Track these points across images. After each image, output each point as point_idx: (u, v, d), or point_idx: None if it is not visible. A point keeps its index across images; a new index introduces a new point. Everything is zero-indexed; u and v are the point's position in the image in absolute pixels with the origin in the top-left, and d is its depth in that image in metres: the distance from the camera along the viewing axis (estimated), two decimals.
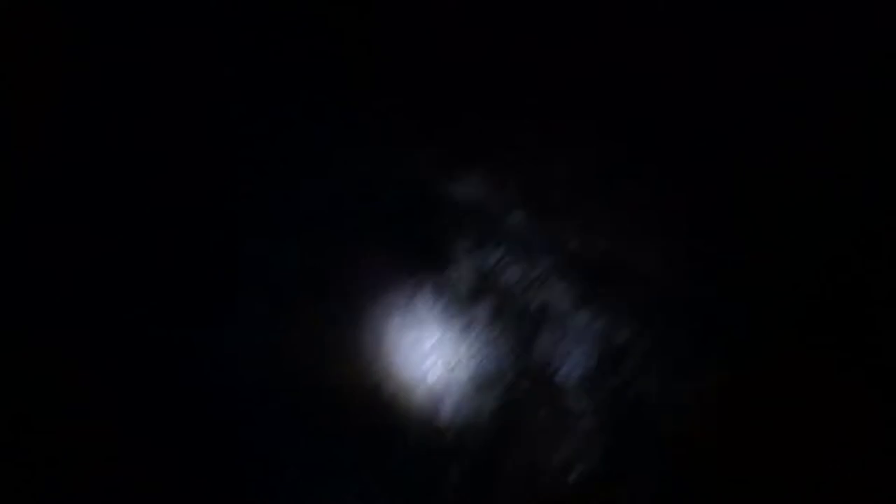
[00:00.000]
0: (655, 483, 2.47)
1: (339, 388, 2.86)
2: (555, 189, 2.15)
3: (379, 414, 2.89)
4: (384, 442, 2.81)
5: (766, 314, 2.03)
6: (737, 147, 1.62)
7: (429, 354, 2.98)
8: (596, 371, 2.77)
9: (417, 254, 2.98)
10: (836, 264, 1.77)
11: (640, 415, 2.59)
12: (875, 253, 1.68)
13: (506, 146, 1.93)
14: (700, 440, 2.35)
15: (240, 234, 2.72)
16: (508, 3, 1.34)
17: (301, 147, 1.99)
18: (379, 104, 1.73)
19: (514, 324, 2.95)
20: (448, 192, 2.31)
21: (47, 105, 1.53)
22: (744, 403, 2.14)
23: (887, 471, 1.74)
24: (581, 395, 2.84)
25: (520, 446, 3.01)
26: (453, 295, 3.01)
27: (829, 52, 1.30)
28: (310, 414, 2.94)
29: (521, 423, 3.10)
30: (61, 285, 2.42)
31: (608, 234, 2.29)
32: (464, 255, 2.97)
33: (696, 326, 2.28)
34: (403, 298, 3.02)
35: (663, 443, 2.49)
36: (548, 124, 1.76)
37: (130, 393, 2.71)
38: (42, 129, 1.62)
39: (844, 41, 1.27)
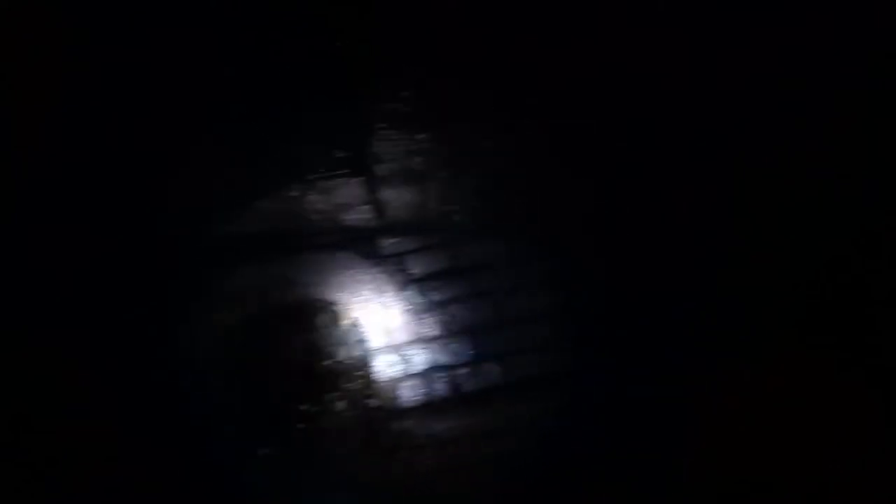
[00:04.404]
0: (654, 483, 2.47)
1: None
2: (555, 188, 2.15)
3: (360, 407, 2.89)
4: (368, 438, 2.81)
5: (766, 314, 2.03)
6: (737, 147, 1.62)
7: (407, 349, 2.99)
8: (594, 371, 2.77)
9: (416, 249, 2.99)
10: (836, 264, 1.77)
11: (638, 415, 2.59)
12: (875, 253, 1.68)
13: (506, 146, 1.93)
14: (699, 440, 2.35)
15: (240, 234, 2.72)
16: (508, 3, 1.34)
17: (301, 146, 1.99)
18: (379, 104, 1.73)
19: (506, 322, 2.96)
20: (447, 192, 2.31)
21: (47, 105, 1.53)
22: (744, 403, 2.14)
23: (887, 471, 1.74)
24: (578, 395, 2.84)
25: (518, 445, 3.00)
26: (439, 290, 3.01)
27: (829, 52, 1.30)
28: (310, 419, 2.94)
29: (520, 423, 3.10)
30: (61, 285, 2.42)
31: (608, 233, 2.29)
32: (459, 253, 2.97)
33: (695, 326, 2.28)
34: (390, 296, 3.02)
35: (662, 443, 2.49)
36: (548, 124, 1.76)
37: (130, 393, 2.71)
38: (42, 129, 1.61)
39: (844, 41, 1.27)
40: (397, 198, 2.51)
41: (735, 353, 2.14)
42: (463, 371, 2.93)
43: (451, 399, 2.89)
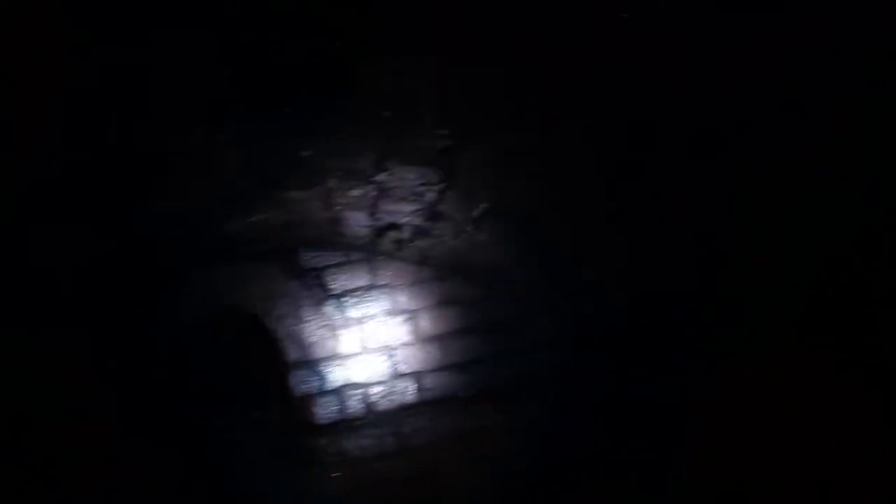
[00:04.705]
0: (654, 483, 2.47)
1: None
2: (554, 189, 2.15)
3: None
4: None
5: (766, 314, 2.03)
6: (737, 147, 1.62)
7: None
8: (594, 372, 2.77)
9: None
10: (836, 264, 1.77)
11: (638, 415, 2.59)
12: (875, 253, 1.68)
13: (506, 145, 1.93)
14: (700, 440, 2.35)
15: (242, 234, 2.72)
16: (508, 3, 1.34)
17: (301, 147, 1.99)
18: (379, 105, 1.73)
19: (425, 339, 2.94)
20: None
21: (47, 105, 1.53)
22: (744, 403, 2.14)
23: (887, 471, 1.74)
24: (581, 396, 2.84)
25: (519, 447, 3.00)
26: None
27: (829, 52, 1.30)
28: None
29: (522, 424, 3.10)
30: (61, 285, 2.42)
31: (608, 233, 2.29)
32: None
33: (695, 326, 2.28)
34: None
35: (662, 443, 2.49)
36: (548, 124, 1.76)
37: (130, 393, 2.71)
38: (42, 129, 1.61)
39: (844, 41, 1.27)
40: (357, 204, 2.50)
41: (735, 353, 2.14)
42: (378, 388, 2.89)
43: (365, 416, 2.85)
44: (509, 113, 1.74)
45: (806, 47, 1.29)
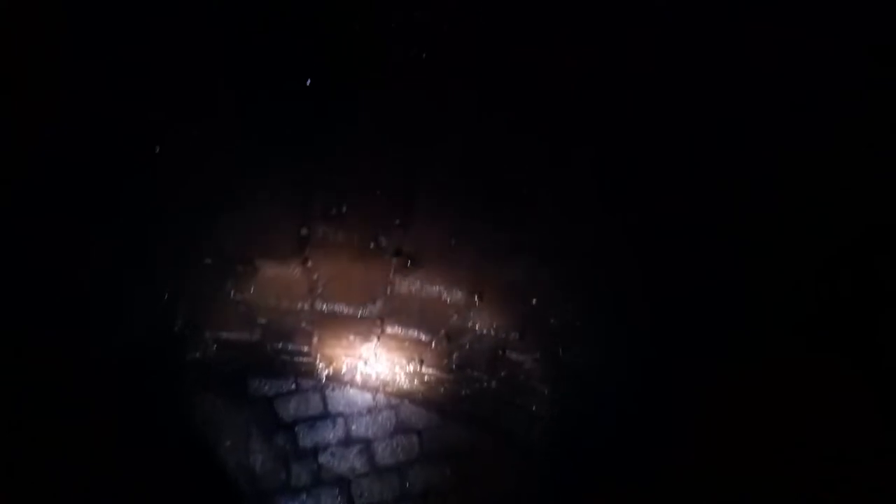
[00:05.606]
0: (654, 483, 2.47)
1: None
2: (555, 189, 2.15)
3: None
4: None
5: (766, 314, 2.03)
6: (737, 147, 1.62)
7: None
8: (594, 372, 2.77)
9: (287, 392, 2.91)
10: (837, 264, 1.77)
11: (638, 416, 2.59)
12: (876, 253, 1.68)
13: (507, 146, 1.93)
14: (700, 441, 2.35)
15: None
16: (509, 3, 1.34)
17: (301, 146, 1.99)
18: (379, 103, 1.73)
19: (380, 470, 2.87)
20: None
21: (47, 105, 1.53)
22: (743, 403, 2.14)
23: (887, 471, 1.74)
24: (581, 399, 2.84)
25: (523, 448, 3.00)
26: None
27: (829, 52, 1.30)
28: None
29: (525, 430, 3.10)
30: (61, 285, 2.42)
31: (608, 234, 2.29)
32: (415, 380, 2.89)
33: (695, 327, 2.28)
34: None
35: (662, 443, 2.49)
36: (548, 124, 1.76)
37: (130, 393, 2.71)
38: (42, 129, 1.62)
39: (844, 41, 1.27)
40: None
41: (735, 353, 2.14)
42: None
43: None
44: (509, 114, 1.74)
45: (806, 47, 1.30)
